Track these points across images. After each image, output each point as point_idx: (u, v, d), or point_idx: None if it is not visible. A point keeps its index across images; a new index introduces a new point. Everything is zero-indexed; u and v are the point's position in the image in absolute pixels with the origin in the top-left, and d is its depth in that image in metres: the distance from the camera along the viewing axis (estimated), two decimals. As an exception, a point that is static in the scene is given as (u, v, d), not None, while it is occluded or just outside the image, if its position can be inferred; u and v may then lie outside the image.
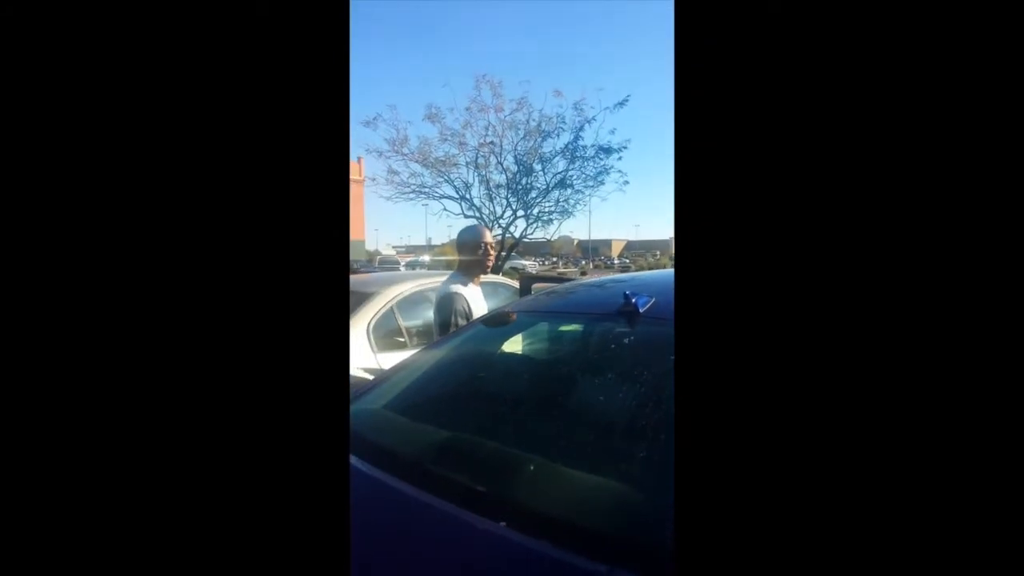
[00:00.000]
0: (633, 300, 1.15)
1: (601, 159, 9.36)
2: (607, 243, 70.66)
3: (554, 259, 45.32)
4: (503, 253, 10.44)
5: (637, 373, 1.07)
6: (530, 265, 32.01)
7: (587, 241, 49.46)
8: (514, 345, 1.59)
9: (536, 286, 2.88)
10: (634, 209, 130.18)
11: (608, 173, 9.42)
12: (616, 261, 49.61)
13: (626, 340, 1.20)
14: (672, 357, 1.11)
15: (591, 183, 9.50)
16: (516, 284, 3.78)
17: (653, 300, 1.17)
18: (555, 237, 11.73)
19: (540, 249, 45.00)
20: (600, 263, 45.78)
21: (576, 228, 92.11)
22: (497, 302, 2.62)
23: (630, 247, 74.50)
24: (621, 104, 9.14)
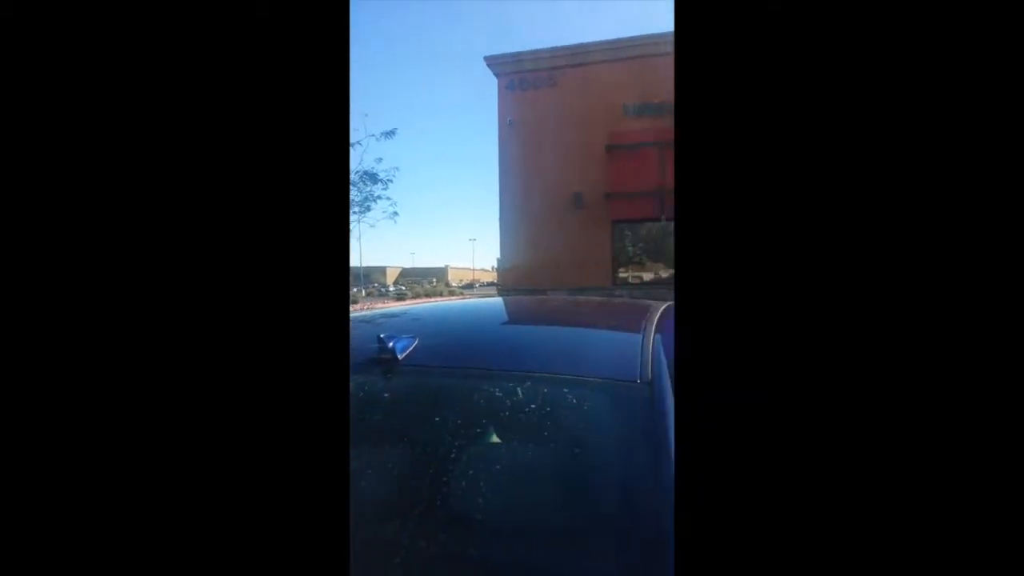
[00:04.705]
0: (390, 344, 0.90)
1: (367, 185, 8.68)
2: (381, 270, 69.00)
3: (323, 287, 42.28)
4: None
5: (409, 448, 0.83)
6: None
7: (358, 268, 47.26)
8: None
9: None
10: (409, 237, 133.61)
11: (375, 201, 8.81)
12: (391, 288, 48.89)
13: (384, 396, 0.90)
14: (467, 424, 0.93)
15: (356, 209, 8.70)
16: None
17: (416, 342, 0.94)
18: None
19: (306, 277, 41.44)
20: (373, 290, 44.59)
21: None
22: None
23: (406, 274, 74.39)
24: (389, 134, 8.67)
